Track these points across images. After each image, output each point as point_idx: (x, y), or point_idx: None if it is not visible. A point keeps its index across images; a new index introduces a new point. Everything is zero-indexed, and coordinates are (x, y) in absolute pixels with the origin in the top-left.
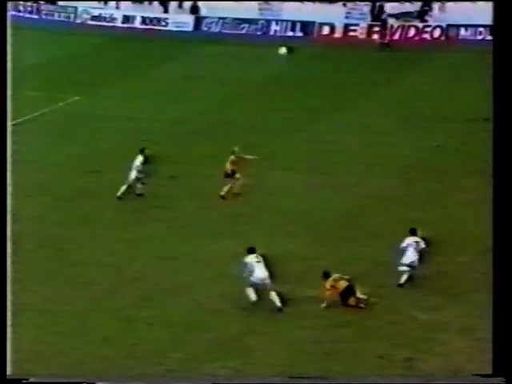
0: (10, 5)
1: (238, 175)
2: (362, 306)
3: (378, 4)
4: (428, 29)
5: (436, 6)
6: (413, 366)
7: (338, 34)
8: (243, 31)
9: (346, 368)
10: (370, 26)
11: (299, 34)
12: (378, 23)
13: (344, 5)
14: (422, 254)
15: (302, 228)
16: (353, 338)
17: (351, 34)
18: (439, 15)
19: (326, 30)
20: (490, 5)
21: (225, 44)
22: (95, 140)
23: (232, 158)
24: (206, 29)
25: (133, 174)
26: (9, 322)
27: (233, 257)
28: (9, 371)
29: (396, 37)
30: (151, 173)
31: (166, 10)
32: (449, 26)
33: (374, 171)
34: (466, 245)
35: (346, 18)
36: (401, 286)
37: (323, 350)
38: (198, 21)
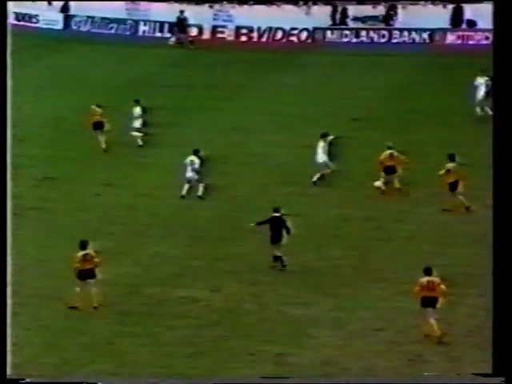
0: (10, 5)
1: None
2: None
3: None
4: (295, 31)
5: (302, 9)
6: (284, 361)
7: (206, 36)
8: (112, 31)
9: (218, 367)
10: (238, 28)
11: (167, 35)
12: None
13: (211, 6)
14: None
15: (176, 229)
16: (225, 336)
17: (219, 35)
18: (306, 18)
19: (194, 32)
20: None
21: (93, 43)
22: None
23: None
24: (75, 27)
25: None
26: (9, 323)
27: (106, 259)
28: (9, 371)
29: (264, 39)
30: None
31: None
32: (315, 28)
33: (245, 171)
34: (334, 240)
35: (214, 19)
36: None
37: (196, 350)
38: (68, 19)
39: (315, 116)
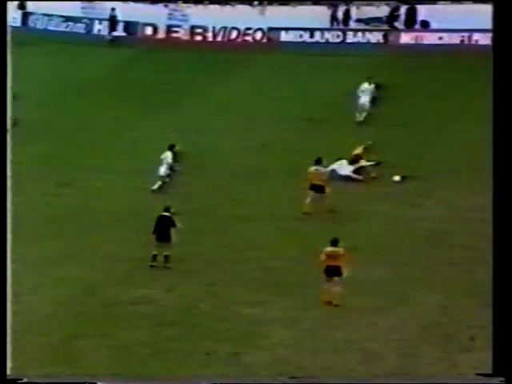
0: (9, 5)
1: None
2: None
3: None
4: (250, 31)
5: (257, 9)
6: (239, 360)
7: (161, 35)
8: (68, 29)
9: (174, 367)
10: (193, 28)
11: (123, 33)
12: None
13: (165, 6)
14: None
15: (131, 229)
16: (180, 336)
17: (174, 35)
18: (260, 18)
19: (149, 31)
20: (312, 8)
21: (49, 41)
22: None
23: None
24: (32, 25)
25: None
26: (9, 323)
27: (59, 260)
28: (9, 371)
29: (218, 39)
30: None
31: None
32: (270, 28)
33: (200, 171)
34: (291, 241)
35: (169, 19)
36: None
37: (151, 351)
38: (26, 16)
39: (270, 116)
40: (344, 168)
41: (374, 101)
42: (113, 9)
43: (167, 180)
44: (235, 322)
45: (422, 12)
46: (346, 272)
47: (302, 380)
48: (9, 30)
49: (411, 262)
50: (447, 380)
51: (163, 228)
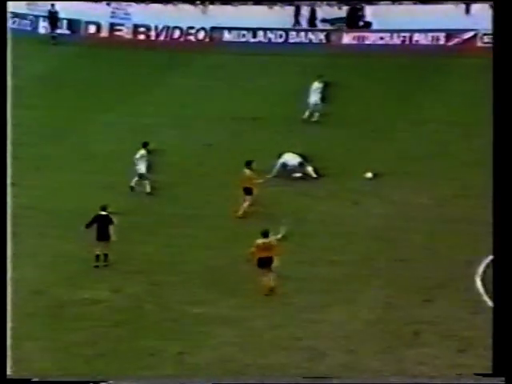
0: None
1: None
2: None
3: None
4: (192, 31)
5: (199, 8)
6: (184, 360)
7: (104, 33)
8: (14, 26)
9: (119, 368)
10: (136, 27)
11: (66, 31)
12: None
13: (108, 4)
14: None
15: (77, 229)
16: (125, 337)
17: (117, 33)
18: (202, 18)
19: (92, 29)
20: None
21: None
22: None
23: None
24: None
25: None
26: (9, 324)
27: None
28: (9, 371)
29: (161, 38)
30: None
31: None
32: (213, 28)
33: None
34: (234, 240)
35: (112, 17)
36: None
37: (97, 351)
38: None
39: (214, 115)
40: (292, 159)
41: (324, 99)
42: (52, 5)
43: (147, 180)
44: (180, 322)
45: (366, 13)
46: (277, 262)
47: (315, 380)
48: (9, 30)
49: (356, 260)
50: (447, 380)
51: (102, 227)
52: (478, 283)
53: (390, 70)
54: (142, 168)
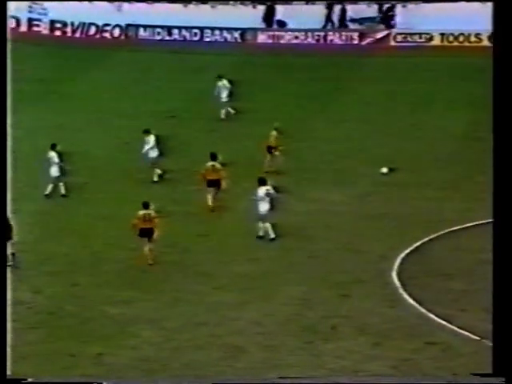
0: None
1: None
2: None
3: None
4: (108, 28)
5: (115, 5)
6: (103, 361)
7: (23, 28)
8: None
9: (38, 370)
10: (53, 22)
11: None
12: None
13: None
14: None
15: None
16: (45, 338)
17: (35, 28)
18: (118, 15)
19: (12, 24)
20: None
21: None
22: None
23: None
24: None
25: None
26: (9, 323)
27: None
28: (9, 371)
29: (77, 34)
30: None
31: None
32: (128, 25)
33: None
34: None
35: (29, 12)
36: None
37: (17, 354)
38: None
39: (131, 113)
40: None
41: (230, 96)
42: None
43: (61, 182)
44: (100, 323)
45: (280, 12)
46: (157, 233)
47: (301, 380)
48: (9, 30)
49: (273, 257)
50: (447, 380)
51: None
52: (394, 277)
53: (304, 68)
54: (53, 171)
